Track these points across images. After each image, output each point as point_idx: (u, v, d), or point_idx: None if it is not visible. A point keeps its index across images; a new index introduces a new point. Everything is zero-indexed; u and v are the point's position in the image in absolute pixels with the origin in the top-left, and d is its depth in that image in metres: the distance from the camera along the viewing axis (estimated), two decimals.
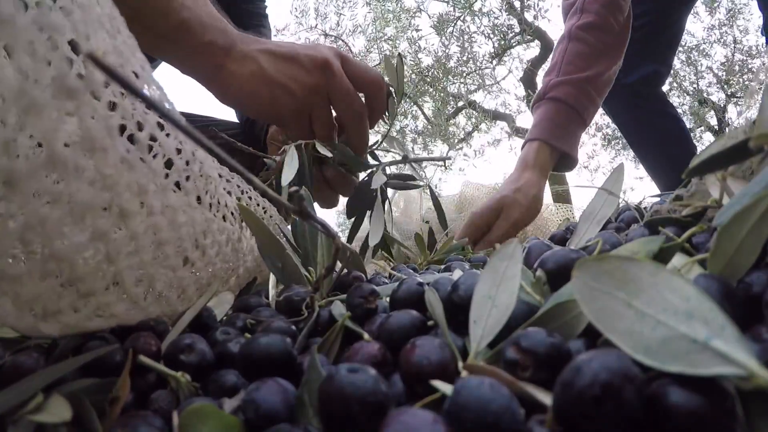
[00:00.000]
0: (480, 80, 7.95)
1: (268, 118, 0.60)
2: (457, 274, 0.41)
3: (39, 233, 0.22)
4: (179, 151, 0.29)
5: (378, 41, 6.71)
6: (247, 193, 0.50)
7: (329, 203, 0.68)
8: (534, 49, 7.83)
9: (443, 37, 7.37)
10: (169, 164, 0.29)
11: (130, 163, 0.25)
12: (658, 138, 1.51)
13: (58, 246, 0.23)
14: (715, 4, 7.27)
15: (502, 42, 7.54)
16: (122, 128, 0.25)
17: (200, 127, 0.76)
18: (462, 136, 8.61)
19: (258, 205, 0.51)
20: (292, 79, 0.56)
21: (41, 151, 0.22)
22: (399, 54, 0.74)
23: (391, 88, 0.65)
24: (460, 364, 0.24)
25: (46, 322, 0.25)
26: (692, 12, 1.57)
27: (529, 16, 7.21)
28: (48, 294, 0.24)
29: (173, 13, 0.50)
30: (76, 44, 0.23)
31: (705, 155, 0.29)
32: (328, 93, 0.58)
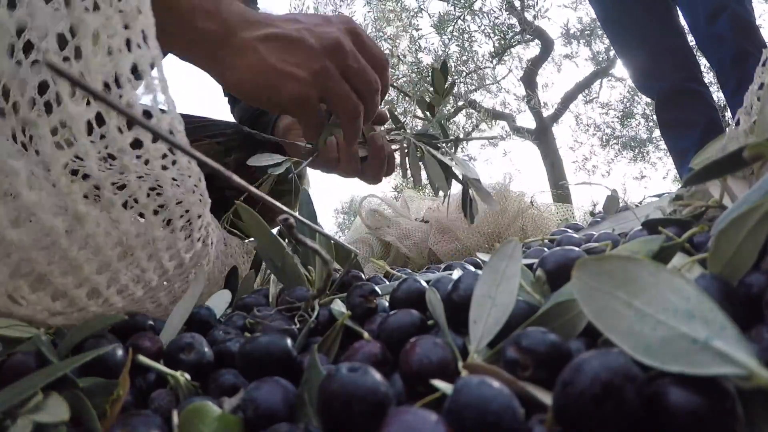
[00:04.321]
0: (480, 80, 7.95)
1: (275, 107, 0.55)
2: (456, 273, 0.41)
3: None
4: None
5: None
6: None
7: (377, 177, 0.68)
8: (534, 49, 7.83)
9: (443, 37, 7.37)
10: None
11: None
12: None
13: None
14: None
15: (502, 41, 7.53)
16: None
17: (191, 129, 0.73)
18: (461, 136, 8.61)
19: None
20: (296, 65, 0.52)
21: None
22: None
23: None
24: (460, 363, 0.24)
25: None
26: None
27: (529, 15, 7.21)
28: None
29: None
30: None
31: (704, 160, 0.29)
32: (342, 73, 0.55)
